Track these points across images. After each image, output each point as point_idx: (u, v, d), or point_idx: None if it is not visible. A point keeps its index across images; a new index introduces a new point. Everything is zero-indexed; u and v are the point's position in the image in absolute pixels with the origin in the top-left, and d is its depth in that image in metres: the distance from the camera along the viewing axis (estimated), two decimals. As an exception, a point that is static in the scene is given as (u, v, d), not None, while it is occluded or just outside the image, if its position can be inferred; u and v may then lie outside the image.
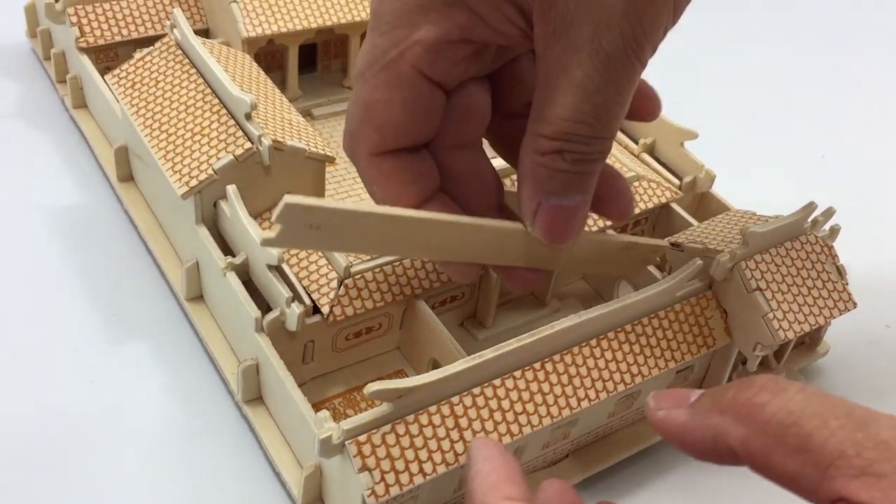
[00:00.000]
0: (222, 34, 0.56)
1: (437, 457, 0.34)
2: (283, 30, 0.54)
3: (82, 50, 0.54)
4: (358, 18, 0.57)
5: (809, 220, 0.42)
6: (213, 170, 0.41)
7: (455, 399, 0.34)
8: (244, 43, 0.54)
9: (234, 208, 0.41)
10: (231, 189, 0.41)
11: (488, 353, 0.35)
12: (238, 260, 0.40)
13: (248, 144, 0.41)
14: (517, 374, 0.36)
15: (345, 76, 0.62)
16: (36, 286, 0.46)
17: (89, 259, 0.48)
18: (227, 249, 0.42)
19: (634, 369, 0.38)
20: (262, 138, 0.41)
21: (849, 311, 0.41)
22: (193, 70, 0.45)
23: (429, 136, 0.34)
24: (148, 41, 0.56)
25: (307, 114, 0.59)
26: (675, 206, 0.50)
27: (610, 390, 0.38)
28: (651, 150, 0.52)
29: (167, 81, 0.45)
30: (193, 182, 0.41)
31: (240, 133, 0.42)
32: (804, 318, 0.40)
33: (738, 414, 0.27)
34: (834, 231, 0.44)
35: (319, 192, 0.46)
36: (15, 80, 0.60)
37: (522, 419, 0.35)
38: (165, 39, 0.47)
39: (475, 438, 0.33)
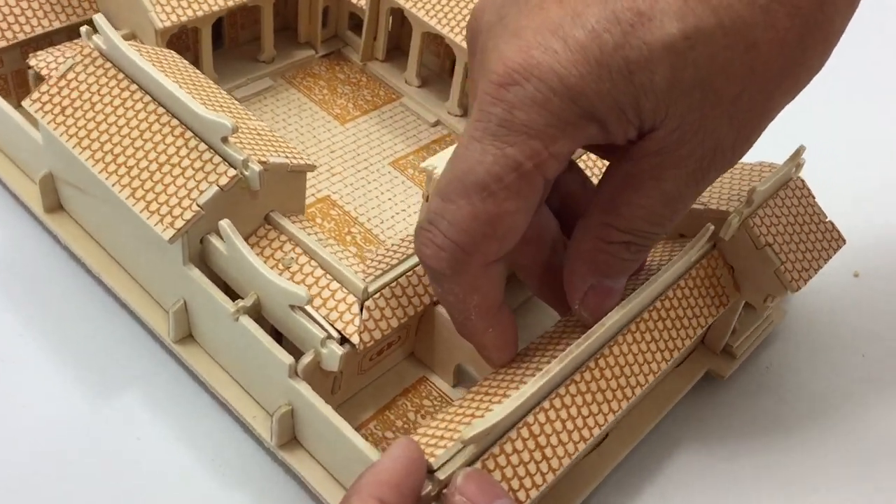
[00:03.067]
0: (123, 24, 0.50)
1: (528, 482, 0.33)
2: (199, 13, 0.49)
3: (-35, 62, 0.46)
4: (273, -12, 0.52)
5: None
6: (198, 205, 0.37)
7: (530, 419, 0.34)
8: (157, 34, 0.48)
9: (235, 245, 0.37)
10: (226, 224, 0.37)
11: (554, 366, 0.34)
12: (249, 302, 0.37)
13: (231, 171, 0.37)
14: (577, 377, 0.35)
15: (257, 49, 0.56)
16: (-12, 354, 0.41)
17: (38, 306, 0.43)
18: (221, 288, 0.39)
19: (671, 344, 0.39)
20: (249, 163, 0.37)
21: (840, 248, 0.44)
22: (135, 87, 0.40)
23: None
24: (35, 41, 0.48)
25: (228, 99, 0.54)
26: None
27: (655, 371, 0.38)
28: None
29: (106, 103, 0.40)
30: (179, 223, 0.37)
31: (217, 158, 0.37)
32: (808, 263, 0.42)
33: None
34: (799, 166, 0.46)
35: (301, 203, 0.42)
36: None
37: (590, 421, 0.35)
38: (85, 50, 0.41)
39: (400, 437, 0.33)
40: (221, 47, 0.56)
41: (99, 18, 0.40)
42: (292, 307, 0.36)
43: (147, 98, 0.39)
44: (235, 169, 0.37)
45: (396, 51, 0.59)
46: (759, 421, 0.44)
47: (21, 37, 0.48)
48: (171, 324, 0.40)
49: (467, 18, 0.50)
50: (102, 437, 0.39)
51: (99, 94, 0.40)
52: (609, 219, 0.33)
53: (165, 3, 0.48)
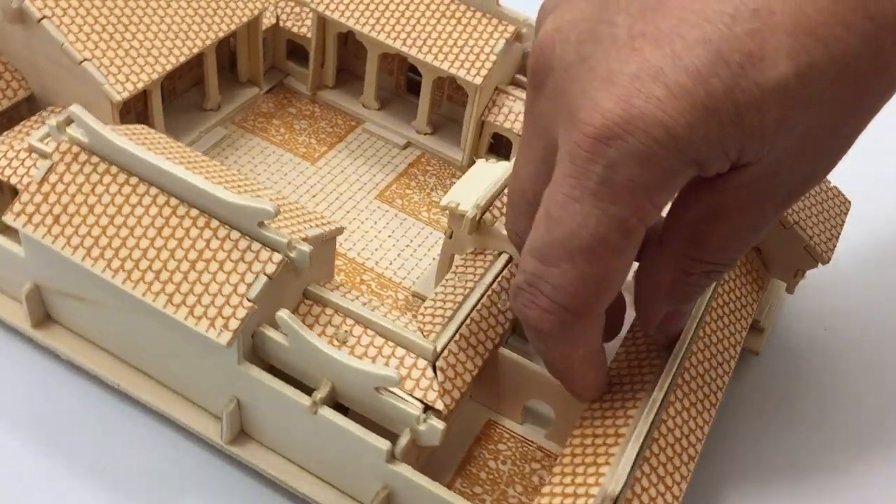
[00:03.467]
0: (63, 100, 0.45)
1: (663, 516, 0.33)
2: (154, 76, 0.44)
3: None
4: (220, 35, 0.48)
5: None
6: (250, 300, 0.34)
7: (647, 454, 0.33)
8: (114, 108, 0.43)
9: (300, 335, 0.34)
10: (285, 315, 0.34)
11: (657, 395, 0.34)
12: (325, 392, 0.34)
13: (276, 257, 0.34)
14: (672, 398, 0.35)
15: (199, 97, 0.52)
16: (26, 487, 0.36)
17: (53, 432, 0.38)
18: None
19: (734, 339, 0.40)
20: (296, 244, 0.34)
21: (847, 210, 0.45)
22: (134, 178, 0.36)
23: None
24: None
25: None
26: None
27: (728, 370, 0.39)
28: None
29: (106, 203, 0.35)
30: (234, 323, 0.33)
31: (255, 245, 0.34)
32: (830, 233, 0.43)
33: None
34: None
35: (330, 269, 0.40)
36: None
37: (692, 438, 0.35)
38: (62, 146, 0.36)
39: None
40: (164, 101, 0.52)
41: (76, 109, 0.36)
42: (377, 389, 0.34)
43: (153, 190, 0.35)
44: (279, 253, 0.34)
45: (343, 74, 0.56)
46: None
47: (-45, 134, 0.42)
48: (226, 425, 0.37)
49: (426, 35, 0.49)
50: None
51: (95, 195, 0.36)
52: (692, 251, 0.32)
53: (118, 72, 0.43)
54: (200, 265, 0.34)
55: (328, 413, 0.34)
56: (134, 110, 0.48)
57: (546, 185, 0.30)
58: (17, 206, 0.36)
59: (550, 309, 0.31)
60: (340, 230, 0.39)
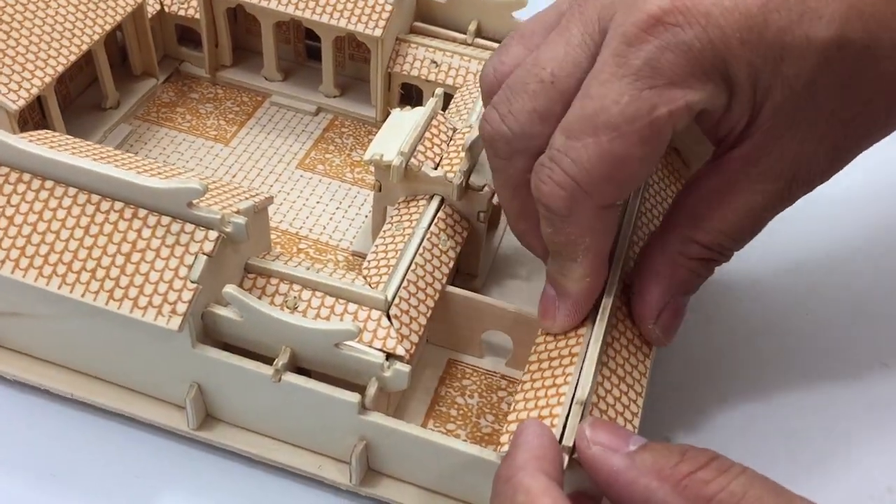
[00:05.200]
0: (-43, 118, 0.43)
1: (627, 414, 0.34)
2: (47, 80, 0.43)
3: None
4: (107, 27, 0.46)
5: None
6: (193, 281, 0.33)
7: (604, 358, 0.34)
8: (12, 117, 0.42)
9: (251, 308, 0.34)
10: (233, 290, 0.34)
11: (606, 302, 0.35)
12: (285, 358, 0.34)
13: (211, 234, 0.34)
14: (618, 303, 0.37)
15: (97, 97, 0.51)
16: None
17: (18, 457, 0.37)
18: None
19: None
20: (230, 218, 0.34)
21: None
22: (49, 182, 0.35)
23: None
24: None
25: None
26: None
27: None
28: (480, 34, 0.52)
29: (24, 211, 0.34)
30: (181, 307, 0.33)
31: (188, 226, 0.34)
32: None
33: (677, 485, 0.27)
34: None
35: (267, 240, 0.39)
36: None
37: (640, 354, 0.37)
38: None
39: (527, 420, 0.31)
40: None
41: None
42: (337, 345, 0.34)
43: (72, 190, 0.35)
44: (214, 230, 0.34)
45: (238, 51, 0.55)
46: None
47: None
48: (190, 412, 0.37)
49: (323, -3, 0.48)
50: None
51: (11, 205, 0.35)
52: (692, 233, 0.33)
53: (8, 81, 0.42)
54: (136, 256, 0.34)
55: (292, 378, 0.34)
56: (31, 120, 0.47)
57: (568, 69, 0.31)
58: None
59: (563, 184, 0.31)
60: (270, 199, 0.39)
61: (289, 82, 0.54)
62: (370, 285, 0.38)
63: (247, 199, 0.37)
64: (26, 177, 0.35)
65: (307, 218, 0.47)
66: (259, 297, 0.37)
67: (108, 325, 0.35)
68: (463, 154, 0.41)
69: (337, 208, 0.48)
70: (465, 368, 0.41)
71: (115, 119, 0.50)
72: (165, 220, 0.34)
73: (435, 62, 0.50)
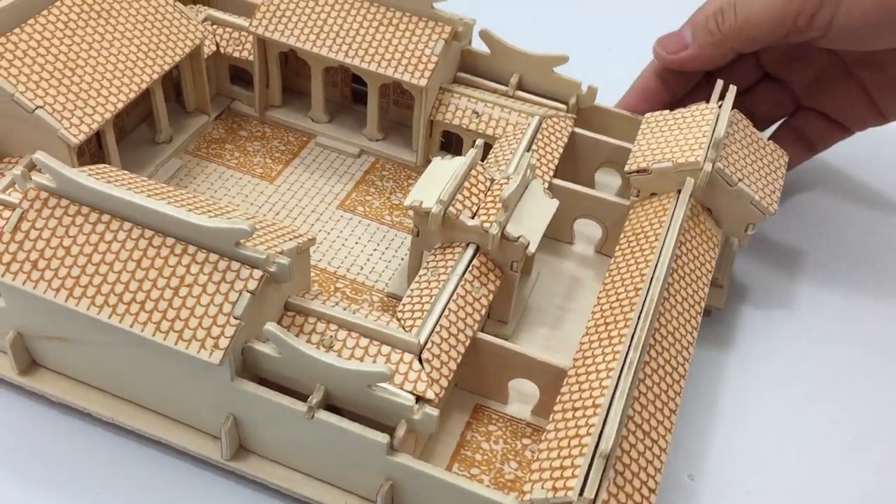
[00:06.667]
0: (19, 149, 0.45)
1: (651, 469, 0.35)
2: (107, 115, 0.45)
3: None
4: (166, 67, 0.48)
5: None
6: (236, 317, 0.35)
7: (630, 412, 0.35)
8: (72, 151, 0.44)
9: (289, 345, 0.35)
10: (273, 328, 0.35)
11: (633, 357, 0.36)
12: (319, 396, 0.36)
13: (256, 273, 0.35)
14: (646, 357, 0.37)
15: (150, 131, 0.53)
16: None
17: (54, 475, 0.39)
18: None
19: (696, 297, 0.42)
20: (274, 258, 0.35)
21: (786, 162, 0.48)
22: (106, 216, 0.36)
23: None
24: None
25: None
26: (578, 130, 0.52)
27: (696, 326, 0.41)
28: (521, 86, 0.53)
29: (81, 243, 0.36)
30: (223, 342, 0.34)
31: (234, 264, 0.35)
32: (772, 186, 0.46)
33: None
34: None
35: (307, 280, 0.41)
36: None
37: (671, 392, 0.37)
38: (30, 194, 0.37)
39: None
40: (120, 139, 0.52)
41: (41, 156, 0.36)
42: (370, 386, 0.35)
43: (126, 224, 0.36)
44: (259, 269, 0.35)
45: (287, 92, 0.57)
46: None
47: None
48: (225, 442, 0.38)
49: (366, 44, 0.50)
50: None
51: (69, 236, 0.36)
52: None
53: (70, 115, 0.44)
54: (183, 290, 0.35)
55: (325, 416, 0.35)
56: (88, 152, 0.49)
57: None
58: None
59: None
60: (313, 241, 0.40)
61: (334, 124, 0.56)
62: (404, 328, 0.39)
63: (291, 239, 0.38)
64: (84, 209, 0.37)
65: (345, 258, 0.48)
66: (297, 335, 0.38)
67: (153, 355, 0.37)
68: (500, 205, 0.42)
69: (374, 250, 0.49)
70: (492, 414, 0.42)
71: (168, 153, 0.52)
72: (213, 257, 0.36)
73: (476, 112, 0.52)
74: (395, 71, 0.50)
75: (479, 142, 0.45)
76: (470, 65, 0.54)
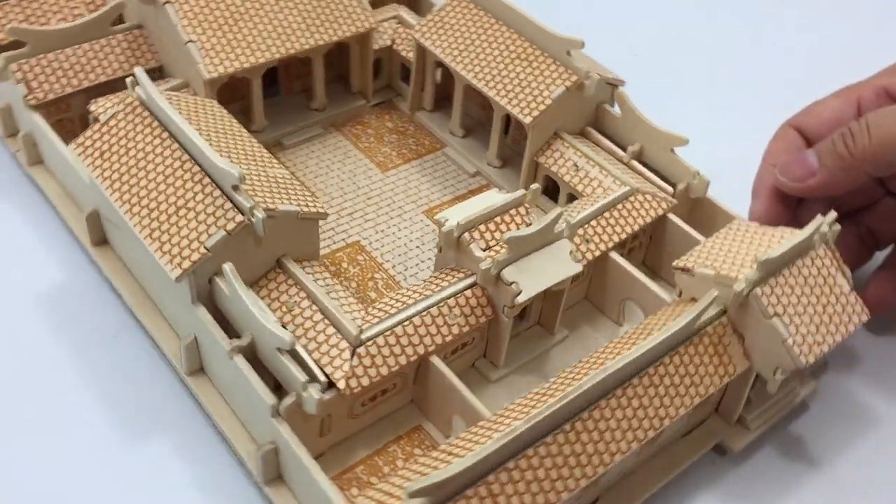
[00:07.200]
0: (179, 73, 0.53)
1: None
2: (246, 65, 0.52)
3: (32, 107, 0.51)
4: (321, 42, 0.54)
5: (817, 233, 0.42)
6: (206, 248, 0.39)
7: (491, 478, 0.34)
8: (206, 84, 0.51)
9: (234, 288, 0.39)
10: (228, 268, 0.39)
11: (520, 426, 0.34)
12: (244, 342, 0.39)
13: (239, 217, 0.39)
14: (549, 439, 0.35)
15: (308, 98, 0.59)
16: (23, 369, 0.44)
17: (77, 334, 0.46)
18: (226, 325, 0.41)
19: (662, 412, 0.38)
20: (255, 210, 0.39)
21: (862, 322, 0.41)
22: (166, 134, 0.43)
23: None
24: (100, 88, 0.52)
25: (277, 144, 0.57)
26: (671, 216, 0.49)
27: (640, 438, 0.37)
28: (639, 157, 0.51)
29: (139, 149, 0.43)
30: (186, 263, 0.39)
31: (228, 205, 0.40)
32: (822, 338, 0.40)
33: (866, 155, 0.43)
34: (823, 235, 0.44)
35: (315, 248, 0.44)
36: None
37: (559, 485, 0.35)
38: (128, 100, 0.44)
39: None
40: (277, 95, 0.59)
41: (139, 72, 0.43)
42: (280, 351, 0.37)
43: (175, 146, 0.42)
44: (244, 215, 0.39)
45: (446, 101, 0.60)
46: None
47: (86, 84, 0.52)
48: (183, 357, 0.42)
49: (497, 71, 0.52)
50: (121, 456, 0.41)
51: (134, 141, 0.43)
52: None
53: (214, 55, 0.51)
54: (183, 211, 0.40)
55: (239, 360, 0.38)
56: (245, 99, 0.56)
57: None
58: (80, 139, 0.44)
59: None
60: (324, 214, 0.43)
61: (467, 140, 0.58)
62: (364, 321, 0.40)
63: (298, 204, 0.42)
64: (155, 124, 0.43)
65: (398, 255, 0.51)
66: (271, 290, 0.41)
67: (152, 258, 0.42)
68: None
69: (429, 258, 0.51)
70: (425, 439, 0.42)
71: (313, 119, 0.58)
72: (217, 193, 0.40)
73: (577, 166, 0.51)
74: (509, 103, 0.51)
75: (535, 185, 0.45)
76: (600, 122, 0.53)
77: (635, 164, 0.51)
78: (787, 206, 0.49)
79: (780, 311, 0.40)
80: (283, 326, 0.40)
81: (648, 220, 0.48)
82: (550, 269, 0.42)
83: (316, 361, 0.38)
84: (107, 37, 0.53)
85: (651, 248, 0.51)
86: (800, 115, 0.49)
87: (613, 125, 0.53)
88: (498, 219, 0.44)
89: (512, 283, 0.41)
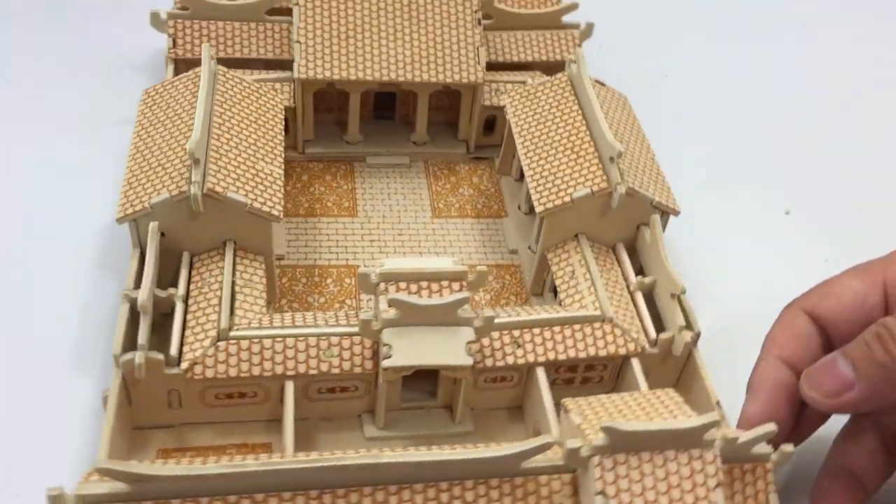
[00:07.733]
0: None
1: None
2: (337, 77, 0.55)
3: (171, 60, 0.59)
4: (418, 79, 0.56)
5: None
6: (150, 205, 0.43)
7: (204, 500, 0.34)
8: (297, 82, 0.55)
9: (148, 244, 0.43)
10: (152, 226, 0.43)
11: (250, 465, 0.33)
12: (134, 293, 0.42)
13: (185, 188, 0.43)
14: (286, 495, 0.34)
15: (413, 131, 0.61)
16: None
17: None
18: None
19: None
20: (196, 189, 0.43)
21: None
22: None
23: None
24: (231, 62, 0.59)
25: (360, 159, 0.60)
26: (634, 362, 0.44)
27: None
28: (651, 290, 0.46)
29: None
30: (129, 209, 0.44)
31: (196, 175, 0.43)
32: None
33: None
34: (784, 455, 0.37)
35: (268, 247, 0.46)
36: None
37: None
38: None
39: None
40: (392, 119, 0.62)
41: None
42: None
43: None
44: (193, 187, 0.43)
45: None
46: None
47: (221, 56, 0.59)
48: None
49: (549, 160, 0.50)
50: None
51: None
52: None
53: (313, 59, 0.55)
54: (160, 171, 0.45)
55: (122, 307, 0.42)
56: (338, 112, 0.60)
57: None
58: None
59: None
60: (275, 218, 0.45)
61: (529, 217, 0.56)
62: (250, 324, 0.42)
63: (253, 200, 0.44)
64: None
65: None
66: (206, 262, 0.45)
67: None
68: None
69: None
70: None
71: (405, 150, 0.60)
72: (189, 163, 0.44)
73: (573, 274, 0.47)
74: (535, 189, 0.49)
75: (481, 267, 0.43)
76: (640, 245, 0.49)
77: (638, 296, 0.46)
78: (791, 408, 0.41)
79: (612, 492, 0.34)
80: (188, 299, 0.43)
81: (598, 354, 0.43)
82: (435, 349, 0.40)
83: (184, 338, 0.41)
84: (257, 21, 0.60)
85: (618, 389, 0.45)
86: (812, 295, 0.41)
87: (644, 251, 0.48)
88: (427, 284, 0.42)
89: (386, 345, 0.40)
